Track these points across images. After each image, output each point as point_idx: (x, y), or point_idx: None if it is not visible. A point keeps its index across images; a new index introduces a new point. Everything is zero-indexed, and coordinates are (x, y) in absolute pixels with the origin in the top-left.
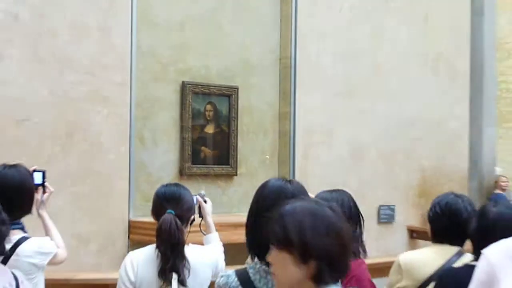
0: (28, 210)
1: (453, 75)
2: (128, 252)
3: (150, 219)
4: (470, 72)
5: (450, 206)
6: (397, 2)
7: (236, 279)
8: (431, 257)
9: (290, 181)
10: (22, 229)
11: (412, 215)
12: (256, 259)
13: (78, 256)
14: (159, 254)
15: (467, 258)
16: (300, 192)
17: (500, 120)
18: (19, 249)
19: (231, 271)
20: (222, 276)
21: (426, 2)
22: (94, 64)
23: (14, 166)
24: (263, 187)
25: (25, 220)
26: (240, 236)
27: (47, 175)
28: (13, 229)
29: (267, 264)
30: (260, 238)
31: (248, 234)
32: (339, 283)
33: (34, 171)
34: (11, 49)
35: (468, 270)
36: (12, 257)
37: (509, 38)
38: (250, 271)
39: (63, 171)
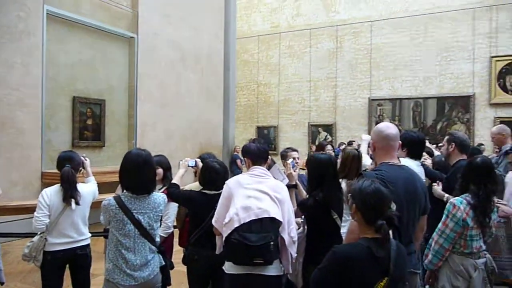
0: None
1: (215, 97)
2: (42, 189)
3: (54, 170)
4: (223, 96)
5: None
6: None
7: (114, 201)
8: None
9: (143, 150)
10: None
11: None
12: (125, 190)
13: (11, 192)
14: (63, 188)
15: None
16: (149, 155)
17: (237, 119)
18: None
19: (111, 196)
20: (105, 200)
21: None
22: (20, 84)
23: None
24: (129, 152)
25: None
26: (108, 179)
27: None
28: None
29: (132, 193)
30: (128, 178)
31: (121, 177)
32: None
33: None
34: None
35: (200, 194)
36: None
37: (244, 80)
38: (122, 197)
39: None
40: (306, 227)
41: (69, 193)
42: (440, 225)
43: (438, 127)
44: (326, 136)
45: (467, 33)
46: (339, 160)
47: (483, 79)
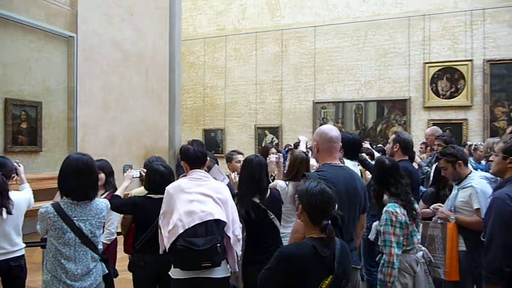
0: None
1: (160, 99)
2: None
3: None
4: (169, 99)
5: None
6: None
7: (52, 209)
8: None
9: (84, 154)
10: None
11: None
12: (64, 197)
13: None
14: None
15: None
16: (91, 160)
17: (183, 122)
18: None
19: (48, 204)
20: (43, 207)
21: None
22: None
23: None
24: (68, 157)
25: None
26: (45, 185)
27: None
28: None
29: (73, 200)
30: (67, 184)
31: (60, 183)
32: None
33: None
34: None
35: (146, 198)
36: None
37: (190, 83)
38: (61, 204)
39: None
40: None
41: (0, 202)
42: (388, 237)
43: (378, 129)
44: (272, 139)
45: (403, 40)
46: (287, 163)
47: (418, 83)
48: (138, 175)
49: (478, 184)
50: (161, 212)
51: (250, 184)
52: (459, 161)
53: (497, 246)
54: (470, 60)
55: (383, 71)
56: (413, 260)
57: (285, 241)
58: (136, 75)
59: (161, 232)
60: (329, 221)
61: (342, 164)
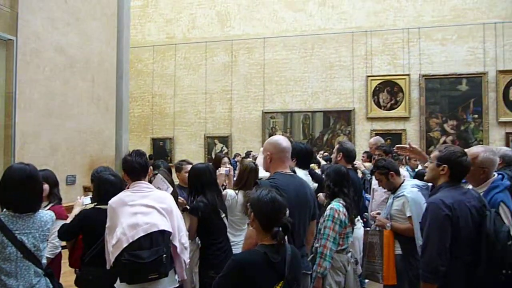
0: None
1: (107, 107)
2: None
3: None
4: (116, 106)
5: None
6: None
7: None
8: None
9: (28, 164)
10: None
11: (87, 179)
12: (5, 210)
13: None
14: None
15: None
16: (35, 170)
17: (130, 131)
18: None
19: None
20: None
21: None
22: None
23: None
24: (10, 167)
25: None
26: None
27: None
28: None
29: (14, 212)
30: (9, 196)
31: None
32: None
33: None
34: None
35: (95, 210)
36: None
37: (138, 91)
38: (1, 216)
39: None
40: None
41: None
42: (327, 231)
43: (325, 138)
44: (222, 148)
45: (347, 54)
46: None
47: (361, 95)
48: (89, 201)
49: (410, 193)
50: (106, 226)
51: (196, 188)
52: (391, 172)
53: (433, 247)
54: (408, 75)
55: (329, 83)
56: (346, 260)
57: (236, 249)
58: (81, 81)
59: (107, 247)
60: (280, 228)
61: (292, 173)
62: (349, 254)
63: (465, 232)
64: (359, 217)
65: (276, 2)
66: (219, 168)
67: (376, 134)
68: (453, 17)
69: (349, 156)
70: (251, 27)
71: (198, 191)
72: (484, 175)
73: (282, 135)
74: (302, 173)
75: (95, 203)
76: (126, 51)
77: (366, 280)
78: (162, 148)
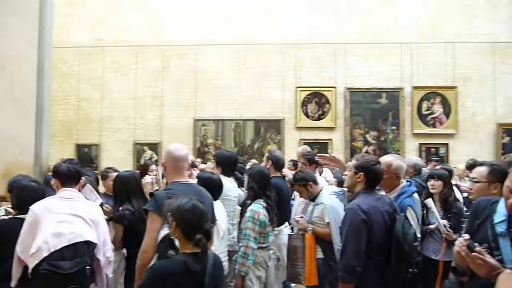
0: None
1: (26, 110)
2: None
3: None
4: (36, 110)
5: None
6: None
7: None
8: None
9: None
10: None
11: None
12: None
13: None
14: None
15: None
16: None
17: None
18: None
19: None
20: None
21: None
22: None
23: None
24: None
25: None
26: None
27: None
28: None
29: None
30: None
31: None
32: None
33: None
34: None
35: (14, 220)
36: None
37: (62, 94)
38: None
39: None
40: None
41: None
42: (248, 232)
43: (255, 146)
44: (151, 155)
45: (278, 65)
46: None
47: (291, 105)
48: (3, 213)
49: (327, 200)
50: (21, 233)
51: (122, 196)
52: (310, 183)
53: (351, 250)
54: (334, 87)
55: (260, 92)
56: (267, 256)
57: None
58: None
59: (16, 260)
60: (202, 235)
61: (190, 182)
62: (271, 251)
63: (378, 235)
64: (287, 224)
65: (210, 10)
66: (145, 176)
67: (305, 143)
68: (376, 36)
69: (278, 164)
70: (184, 33)
71: (124, 199)
72: (397, 181)
73: (214, 142)
74: (227, 181)
75: (15, 214)
76: (49, 51)
77: (293, 285)
78: (86, 155)
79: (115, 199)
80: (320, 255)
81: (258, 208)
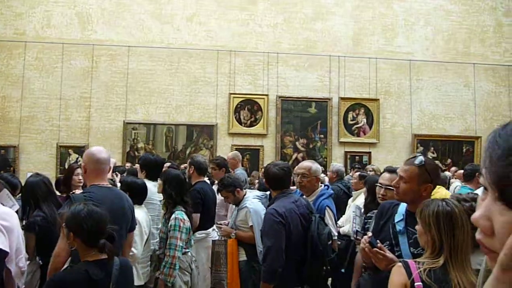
0: None
1: None
2: None
3: None
4: None
5: None
6: None
7: None
8: None
9: None
10: None
11: None
12: None
13: None
14: None
15: None
16: None
17: None
18: None
19: None
20: None
21: None
22: None
23: None
24: None
25: None
26: None
27: None
28: None
29: None
30: None
31: None
32: None
33: None
34: None
35: None
36: None
37: None
38: None
39: None
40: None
41: None
42: (175, 241)
43: (188, 151)
44: (77, 159)
45: (212, 70)
46: None
47: (224, 111)
48: None
49: (251, 204)
50: None
51: (30, 203)
52: (237, 189)
53: (271, 251)
54: (266, 95)
55: (194, 97)
56: (190, 259)
57: None
58: None
59: None
60: (105, 240)
61: (110, 185)
62: (189, 253)
63: (295, 236)
64: (214, 227)
65: (143, 11)
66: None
67: (237, 149)
68: (306, 47)
69: (200, 169)
70: (115, 33)
71: (33, 206)
72: (317, 183)
73: (144, 147)
74: (151, 185)
75: None
76: None
77: None
78: (3, 158)
79: (23, 207)
80: (243, 257)
81: (182, 215)
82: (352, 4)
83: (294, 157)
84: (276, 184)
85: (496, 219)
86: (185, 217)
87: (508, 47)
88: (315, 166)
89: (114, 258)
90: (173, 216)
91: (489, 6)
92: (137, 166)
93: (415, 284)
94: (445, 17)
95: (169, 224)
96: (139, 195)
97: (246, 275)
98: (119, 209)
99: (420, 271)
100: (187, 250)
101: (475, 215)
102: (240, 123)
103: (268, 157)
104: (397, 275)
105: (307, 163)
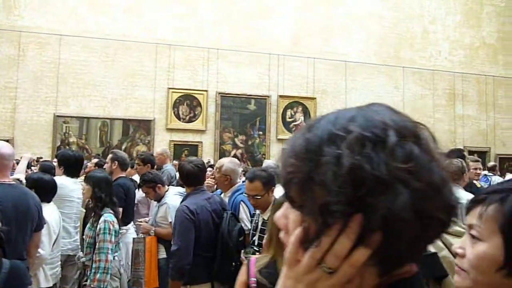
0: None
1: None
2: None
3: None
4: None
5: None
6: None
7: None
8: None
9: None
10: None
11: None
12: None
13: None
14: None
15: None
16: None
17: None
18: None
19: None
20: None
21: None
22: None
23: None
24: None
25: None
26: None
27: None
28: None
29: None
30: None
31: None
32: None
33: None
34: None
35: None
36: None
37: None
38: None
39: None
40: None
41: None
42: (106, 245)
43: (123, 147)
44: None
45: (151, 64)
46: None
47: (162, 106)
48: None
49: (171, 200)
50: None
51: None
52: (158, 185)
53: (179, 249)
54: (206, 91)
55: (130, 91)
56: (118, 264)
57: None
58: None
59: None
60: None
61: (13, 182)
62: (116, 258)
63: (205, 233)
64: (132, 222)
65: None
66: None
67: (175, 145)
68: (247, 44)
69: (124, 164)
70: (45, 20)
71: None
72: (227, 181)
73: (76, 141)
74: (70, 181)
75: None
76: None
77: None
78: None
79: None
80: (163, 255)
81: (111, 218)
82: (293, 5)
83: (233, 153)
84: (190, 181)
85: (289, 217)
86: (114, 219)
87: (433, 52)
88: (228, 166)
89: (3, 261)
90: (102, 219)
91: (417, 13)
92: (54, 162)
93: (250, 279)
94: (378, 23)
95: (98, 228)
96: (47, 192)
97: (165, 273)
98: (23, 207)
99: (256, 268)
100: (116, 254)
101: (277, 214)
102: (179, 118)
103: (207, 153)
104: (241, 274)
105: (222, 161)
